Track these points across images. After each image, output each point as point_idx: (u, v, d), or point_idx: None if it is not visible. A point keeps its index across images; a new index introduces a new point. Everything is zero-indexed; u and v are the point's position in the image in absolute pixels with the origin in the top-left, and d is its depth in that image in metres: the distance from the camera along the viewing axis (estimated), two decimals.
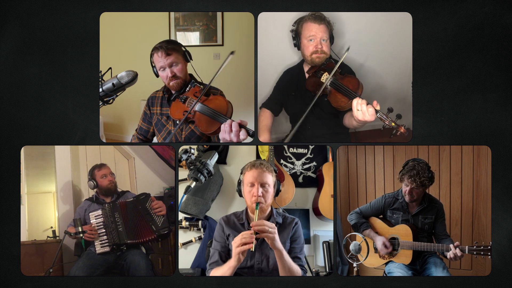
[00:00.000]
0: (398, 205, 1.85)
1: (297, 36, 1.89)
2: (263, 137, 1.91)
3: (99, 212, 1.91)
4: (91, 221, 1.90)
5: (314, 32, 1.84)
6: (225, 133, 1.70)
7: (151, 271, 1.82)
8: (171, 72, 1.85)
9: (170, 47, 1.84)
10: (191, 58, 1.88)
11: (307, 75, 1.93)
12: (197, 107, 1.81)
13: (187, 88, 1.87)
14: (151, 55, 1.86)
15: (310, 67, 1.92)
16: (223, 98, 1.82)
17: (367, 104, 1.72)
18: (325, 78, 1.84)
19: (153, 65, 1.88)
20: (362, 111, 1.72)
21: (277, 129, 2.00)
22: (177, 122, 1.88)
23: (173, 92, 1.92)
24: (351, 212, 1.90)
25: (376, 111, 1.73)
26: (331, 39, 1.88)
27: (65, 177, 1.92)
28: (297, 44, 1.91)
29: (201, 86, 1.86)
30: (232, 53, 1.77)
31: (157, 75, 1.89)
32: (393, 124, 1.74)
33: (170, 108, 1.89)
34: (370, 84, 1.91)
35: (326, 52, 1.88)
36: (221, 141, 1.75)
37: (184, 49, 1.87)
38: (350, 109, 1.79)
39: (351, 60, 1.93)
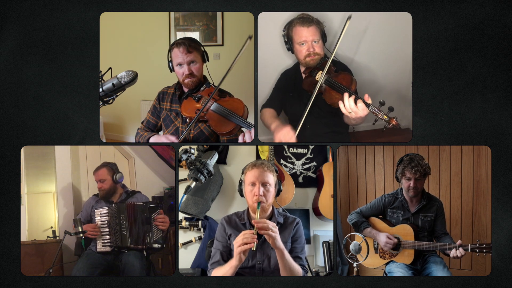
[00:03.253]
0: (398, 204, 1.85)
1: (289, 40, 1.89)
2: (284, 127, 1.85)
3: (105, 210, 1.91)
4: (96, 219, 1.90)
5: (304, 37, 1.84)
6: (246, 138, 1.76)
7: (145, 271, 1.82)
8: (189, 69, 1.86)
9: (193, 45, 1.85)
10: (208, 60, 1.88)
11: (303, 75, 1.93)
12: (212, 106, 1.82)
13: (202, 88, 1.89)
14: (170, 50, 1.87)
15: (305, 68, 1.92)
16: (240, 100, 1.83)
17: (356, 100, 1.71)
18: (320, 76, 1.84)
19: (170, 59, 1.88)
20: (354, 112, 1.72)
21: None
22: (187, 119, 1.88)
23: (185, 89, 1.92)
24: (351, 212, 1.90)
25: (368, 105, 1.73)
26: (324, 37, 1.88)
27: (65, 177, 1.92)
28: (290, 48, 1.91)
29: (215, 87, 1.87)
30: (250, 37, 1.76)
31: (171, 70, 1.89)
32: (385, 117, 1.74)
33: (181, 105, 1.89)
34: (368, 81, 1.91)
35: (319, 53, 1.88)
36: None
37: (203, 49, 1.88)
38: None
39: (351, 60, 1.93)
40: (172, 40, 1.95)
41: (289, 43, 1.89)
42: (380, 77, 1.94)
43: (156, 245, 1.86)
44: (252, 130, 1.77)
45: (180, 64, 1.86)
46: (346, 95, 1.75)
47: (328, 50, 1.89)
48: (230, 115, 1.79)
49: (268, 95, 1.96)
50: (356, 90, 1.83)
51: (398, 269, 1.80)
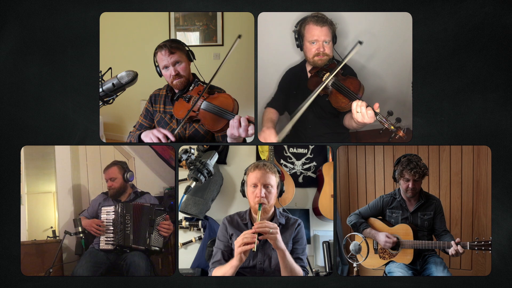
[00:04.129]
0: (396, 204, 1.85)
1: (299, 37, 1.88)
2: (267, 130, 1.87)
3: (112, 208, 1.91)
4: (102, 216, 1.90)
5: (316, 36, 1.84)
6: (234, 129, 1.70)
7: (150, 272, 1.82)
8: (175, 70, 1.85)
9: (174, 45, 1.85)
10: (194, 58, 1.88)
11: (309, 75, 1.93)
12: (203, 105, 1.82)
13: (191, 87, 1.88)
14: (155, 54, 1.86)
15: (312, 67, 1.92)
16: (229, 95, 1.82)
17: (367, 106, 1.72)
18: (327, 78, 1.84)
19: (157, 64, 1.88)
20: (361, 113, 1.72)
21: (278, 129, 2.00)
22: (181, 121, 1.88)
23: (176, 91, 1.92)
24: (350, 214, 1.90)
25: (376, 114, 1.73)
26: (334, 39, 1.88)
27: (65, 177, 1.92)
28: (300, 45, 1.91)
29: (205, 85, 1.86)
30: (239, 36, 1.76)
31: (160, 75, 1.89)
32: (392, 127, 1.74)
33: (174, 107, 1.89)
34: (370, 86, 1.91)
35: (329, 54, 1.88)
36: (228, 137, 1.75)
37: (187, 48, 1.87)
38: (351, 110, 1.79)
39: (351, 60, 1.93)
40: None
41: (299, 39, 1.89)
42: (383, 80, 1.94)
43: (155, 248, 1.86)
44: (243, 118, 1.71)
45: (166, 67, 1.86)
46: (357, 101, 1.74)
47: (337, 53, 1.89)
48: (221, 112, 1.78)
49: (273, 94, 1.96)
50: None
51: (398, 269, 1.80)
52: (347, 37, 1.90)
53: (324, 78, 1.85)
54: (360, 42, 1.78)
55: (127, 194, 1.93)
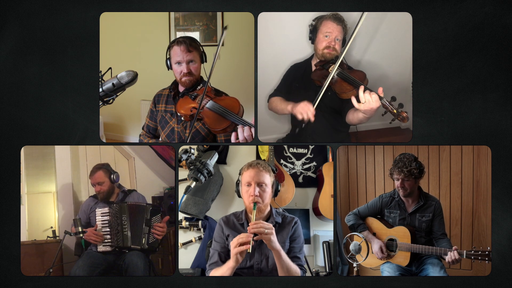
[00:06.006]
0: (394, 204, 1.85)
1: (314, 30, 1.93)
2: (301, 103, 1.87)
3: (106, 210, 1.91)
4: (97, 218, 1.90)
5: (331, 30, 1.89)
6: (239, 140, 1.76)
7: (148, 272, 1.82)
8: (187, 68, 1.86)
9: (193, 44, 1.86)
10: (206, 60, 1.89)
11: (314, 68, 1.95)
12: (208, 104, 1.82)
13: (199, 87, 1.89)
14: (170, 47, 1.87)
15: (318, 60, 1.94)
16: (236, 99, 1.83)
17: (370, 91, 1.74)
18: (332, 68, 1.85)
19: (168, 57, 1.88)
20: (367, 101, 1.74)
21: (278, 129, 2.00)
22: (182, 118, 1.88)
23: (181, 88, 1.93)
24: (348, 213, 1.90)
25: (380, 98, 1.74)
26: (343, 41, 1.92)
27: (65, 177, 1.92)
28: (312, 38, 1.95)
29: (213, 87, 1.87)
30: (225, 28, 1.77)
31: (169, 68, 1.90)
32: (395, 111, 1.75)
33: (177, 103, 1.90)
34: (370, 85, 1.91)
35: (337, 50, 1.92)
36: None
37: (202, 49, 1.88)
38: (353, 106, 1.79)
39: (351, 60, 1.93)
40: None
41: (313, 32, 1.93)
42: (383, 69, 1.95)
43: (149, 248, 1.86)
44: (247, 127, 1.76)
45: (179, 63, 1.86)
46: (362, 88, 1.76)
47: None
48: (225, 113, 1.79)
49: (276, 85, 1.97)
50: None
51: (388, 269, 1.81)
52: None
53: (330, 69, 1.87)
54: (362, 15, 1.80)
55: (115, 194, 1.93)
